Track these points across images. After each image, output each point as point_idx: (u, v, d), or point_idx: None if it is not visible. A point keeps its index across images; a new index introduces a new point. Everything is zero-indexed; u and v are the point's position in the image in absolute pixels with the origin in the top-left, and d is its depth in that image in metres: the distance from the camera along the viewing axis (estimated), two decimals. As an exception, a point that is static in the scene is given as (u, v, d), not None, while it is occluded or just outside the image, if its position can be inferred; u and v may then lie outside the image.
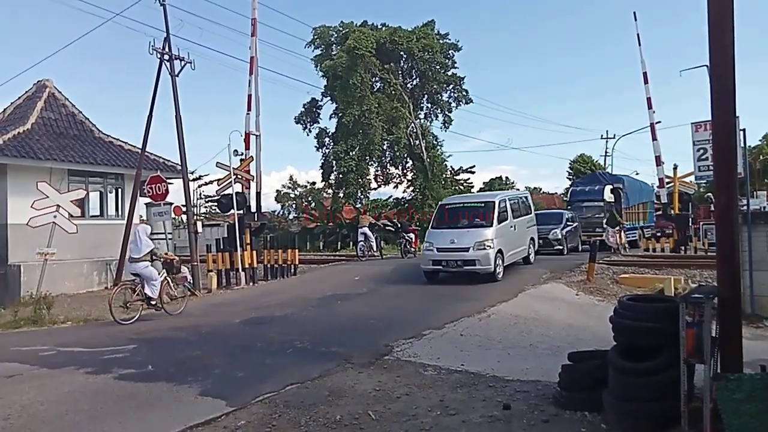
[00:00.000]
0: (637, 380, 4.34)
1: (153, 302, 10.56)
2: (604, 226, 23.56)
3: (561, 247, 21.04)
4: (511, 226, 14.53)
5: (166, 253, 12.81)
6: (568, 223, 22.56)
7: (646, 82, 25.88)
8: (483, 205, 14.49)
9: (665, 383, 4.21)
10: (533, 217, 16.71)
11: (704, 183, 26.77)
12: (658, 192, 27.90)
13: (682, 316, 4.09)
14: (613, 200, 27.23)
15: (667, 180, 26.01)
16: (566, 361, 5.30)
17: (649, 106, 25.93)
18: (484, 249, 13.02)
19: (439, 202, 17.96)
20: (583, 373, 5.00)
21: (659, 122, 26.88)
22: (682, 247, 22.76)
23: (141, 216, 18.50)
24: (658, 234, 25.92)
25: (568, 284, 12.79)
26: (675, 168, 26.27)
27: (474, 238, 13.17)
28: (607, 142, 48.48)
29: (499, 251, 13.41)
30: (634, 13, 26.54)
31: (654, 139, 25.81)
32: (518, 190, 44.93)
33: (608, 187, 27.60)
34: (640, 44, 25.78)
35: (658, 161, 25.66)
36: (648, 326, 4.44)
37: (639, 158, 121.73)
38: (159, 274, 10.66)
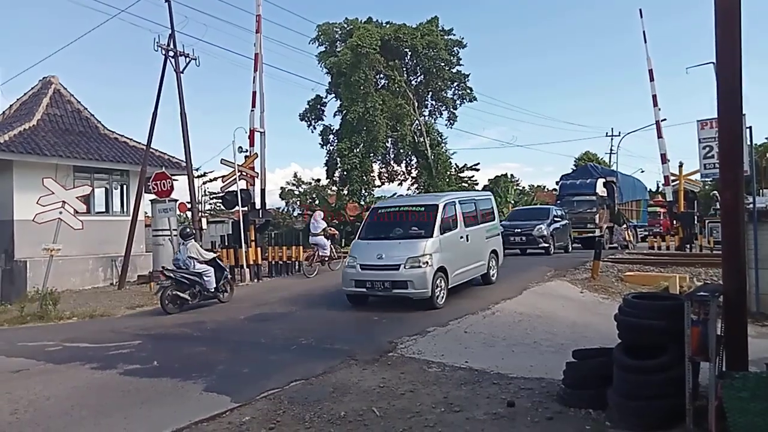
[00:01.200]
0: (642, 378, 4.34)
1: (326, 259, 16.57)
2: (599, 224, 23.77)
3: (547, 245, 19.23)
4: (462, 237, 11.28)
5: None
6: (556, 220, 20.60)
7: (651, 79, 25.70)
8: (423, 209, 11.14)
9: (670, 381, 4.21)
10: (497, 225, 13.35)
11: (710, 181, 26.64)
12: (663, 190, 27.54)
13: (688, 314, 4.08)
14: (605, 194, 26.17)
15: (672, 178, 25.86)
16: (570, 358, 5.29)
17: (655, 104, 25.76)
18: (419, 267, 9.84)
19: (372, 206, 15.00)
20: (588, 371, 4.99)
21: (665, 119, 26.69)
22: (688, 245, 22.66)
23: (146, 212, 18.54)
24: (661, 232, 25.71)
25: (573, 282, 12.77)
26: (680, 166, 26.05)
27: (406, 253, 9.99)
28: (612, 139, 48.30)
29: (441, 270, 10.22)
30: (640, 10, 26.23)
31: (659, 136, 25.63)
32: (475, 182, 42.49)
33: (601, 181, 26.37)
34: (646, 41, 25.60)
35: (664, 159, 25.50)
36: (653, 324, 4.44)
37: (644, 156, 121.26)
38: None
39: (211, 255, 12.40)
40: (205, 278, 11.58)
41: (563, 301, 10.90)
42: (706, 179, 24.36)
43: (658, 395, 4.27)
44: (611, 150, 48.31)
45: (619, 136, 48.06)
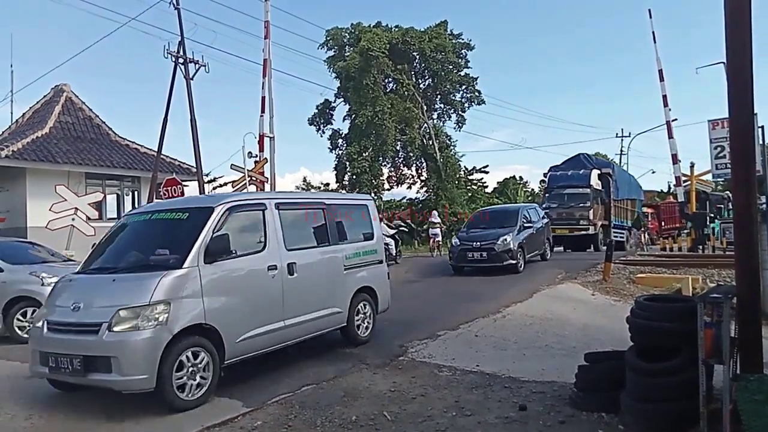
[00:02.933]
0: (655, 381, 4.30)
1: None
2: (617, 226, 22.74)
3: (514, 262, 14.38)
4: (276, 267, 6.54)
5: None
6: (526, 226, 15.73)
7: (661, 79, 25.65)
8: (183, 217, 6.33)
9: (683, 384, 4.17)
10: (374, 246, 8.52)
11: (722, 181, 26.44)
12: (675, 191, 27.40)
13: (701, 316, 4.04)
14: (600, 187, 23.65)
15: (684, 178, 25.69)
16: (582, 361, 5.27)
17: (665, 104, 25.68)
18: (136, 329, 5.21)
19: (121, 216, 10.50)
20: (600, 374, 4.97)
21: (675, 120, 26.58)
22: (700, 246, 22.47)
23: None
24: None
25: (584, 284, 12.69)
26: (692, 166, 25.88)
27: (117, 300, 5.38)
28: (622, 140, 48.15)
29: (202, 332, 5.62)
30: (649, 10, 26.15)
31: (670, 137, 25.56)
32: (485, 185, 40.49)
33: (595, 172, 23.75)
34: (655, 41, 25.58)
35: (675, 159, 25.40)
36: (666, 326, 4.40)
37: (655, 156, 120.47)
38: None
39: (392, 231, 17.69)
40: (390, 247, 16.70)
41: (574, 303, 10.83)
42: (718, 179, 24.23)
43: (671, 398, 4.24)
44: (621, 151, 48.16)
45: (629, 136, 47.95)
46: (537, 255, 16.38)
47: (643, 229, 26.65)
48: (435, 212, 24.00)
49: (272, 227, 6.65)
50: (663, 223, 31.17)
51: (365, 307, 8.06)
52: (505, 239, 14.43)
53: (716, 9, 4.48)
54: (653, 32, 25.55)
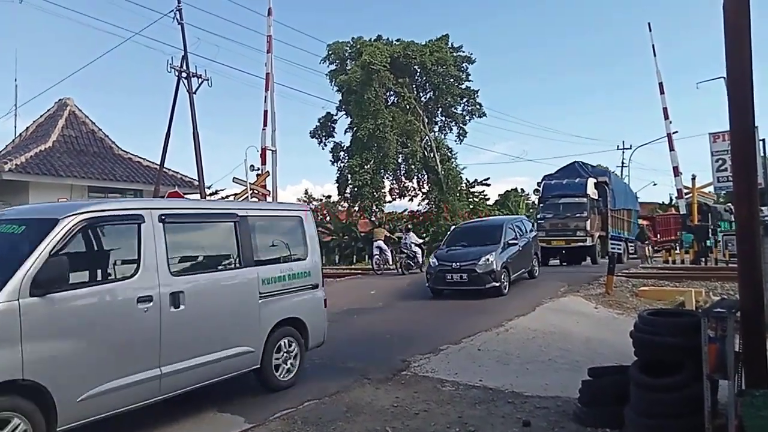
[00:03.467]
0: (659, 396, 4.28)
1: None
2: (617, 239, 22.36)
3: (497, 284, 12.74)
4: (149, 298, 5.06)
5: None
6: (512, 242, 14.02)
7: (662, 92, 25.80)
8: (11, 234, 4.83)
9: (688, 399, 4.15)
10: (307, 267, 7.06)
11: (723, 194, 26.43)
12: (677, 203, 27.37)
13: (704, 331, 4.02)
14: (597, 197, 22.83)
15: (685, 191, 25.72)
16: (586, 376, 5.24)
17: (666, 117, 25.82)
18: None
19: None
20: (604, 389, 4.94)
21: (676, 132, 26.71)
22: (702, 259, 22.43)
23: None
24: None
25: (587, 297, 12.65)
26: (693, 178, 25.97)
27: None
28: (623, 152, 48.21)
29: None
30: (649, 24, 26.40)
31: (671, 149, 25.66)
32: (486, 197, 40.53)
33: (592, 181, 22.88)
34: (655, 54, 25.79)
35: (676, 172, 25.47)
36: (669, 341, 4.39)
37: (656, 169, 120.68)
38: None
39: (420, 241, 20.35)
40: (417, 255, 19.42)
41: (577, 317, 10.79)
42: (720, 192, 24.23)
43: (676, 413, 4.21)
44: (623, 163, 48.19)
45: (630, 149, 47.98)
46: (524, 273, 14.86)
47: (647, 242, 26.38)
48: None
49: (150, 246, 5.13)
50: (659, 236, 30.96)
51: (290, 345, 6.58)
52: (488, 259, 12.80)
53: (716, 20, 4.51)
54: (653, 45, 25.80)
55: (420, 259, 19.83)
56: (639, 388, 4.41)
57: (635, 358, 4.67)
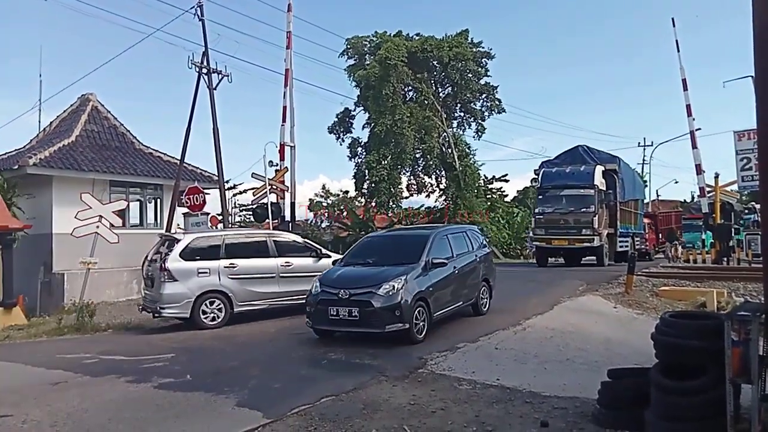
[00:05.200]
0: (681, 399, 4.23)
1: None
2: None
3: (405, 326, 8.27)
4: None
5: None
6: (438, 264, 9.24)
7: (685, 89, 25.33)
8: None
9: (710, 403, 4.09)
10: None
11: (746, 193, 25.96)
12: (699, 202, 26.79)
13: (728, 334, 3.97)
14: (605, 187, 19.92)
15: (708, 189, 25.27)
16: (605, 377, 5.19)
17: (689, 113, 25.34)
18: None
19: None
20: (624, 391, 4.89)
21: (699, 129, 26.19)
22: (725, 259, 22.06)
23: (179, 225, 18.92)
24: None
25: (606, 297, 12.53)
26: (716, 177, 25.43)
27: None
28: (644, 149, 47.59)
29: None
30: (672, 19, 25.88)
31: (694, 146, 25.18)
32: (504, 194, 39.34)
33: (599, 168, 19.89)
34: (678, 50, 25.30)
35: (699, 170, 24.99)
36: (692, 344, 4.33)
37: (678, 166, 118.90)
38: None
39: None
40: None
41: (596, 316, 10.69)
42: (744, 191, 23.80)
43: (697, 417, 4.16)
44: (644, 160, 47.57)
45: (651, 146, 47.33)
46: (462, 306, 10.17)
47: (675, 241, 25.61)
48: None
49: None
50: (660, 235, 29.97)
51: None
52: (393, 286, 8.38)
53: (742, 14, 4.42)
54: (677, 41, 25.31)
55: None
56: (660, 391, 4.36)
57: (656, 360, 4.62)
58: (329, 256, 12.11)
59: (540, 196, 20.41)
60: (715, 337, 4.09)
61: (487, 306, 10.98)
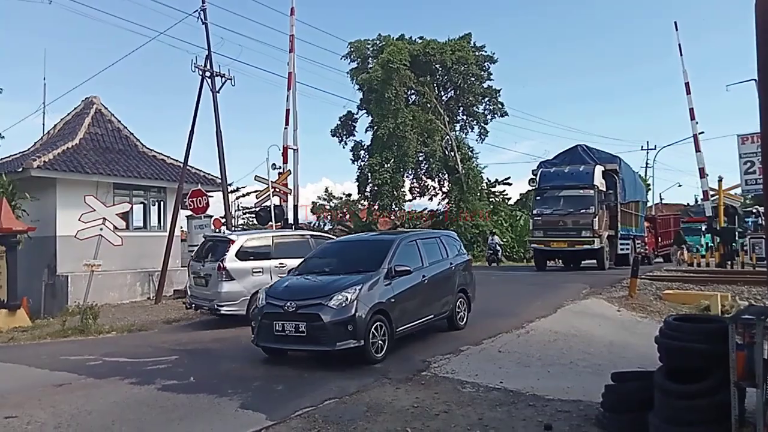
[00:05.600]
0: (685, 403, 4.22)
1: None
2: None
3: (357, 343, 7.25)
4: None
5: None
6: (403, 272, 8.17)
7: (688, 92, 25.29)
8: None
9: (714, 407, 4.08)
10: None
11: (750, 196, 25.90)
12: (703, 205, 26.70)
13: (732, 338, 3.96)
14: (605, 188, 19.46)
15: (711, 192, 25.22)
16: (609, 380, 5.19)
17: (692, 117, 25.30)
18: None
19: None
20: (628, 394, 4.88)
21: (702, 133, 26.15)
22: (729, 262, 22.00)
23: (182, 228, 18.94)
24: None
25: (609, 300, 12.52)
26: (720, 180, 25.36)
27: None
28: (647, 153, 47.54)
29: None
30: (675, 23, 25.87)
31: (697, 150, 25.11)
32: (507, 197, 39.33)
33: (599, 169, 19.48)
34: (681, 54, 25.28)
35: (702, 173, 24.93)
36: (696, 347, 4.32)
37: (681, 170, 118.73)
38: None
39: (503, 242, 21.20)
40: (498, 252, 20.19)
41: (600, 319, 10.69)
42: (747, 195, 23.73)
43: (701, 421, 4.15)
44: (647, 164, 47.52)
45: (654, 149, 47.28)
46: (434, 320, 9.12)
47: (683, 246, 25.48)
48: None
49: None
50: (659, 239, 29.55)
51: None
52: (346, 297, 7.42)
53: (744, 18, 4.41)
54: (679, 44, 25.29)
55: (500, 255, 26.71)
56: (664, 394, 4.35)
57: (660, 364, 4.61)
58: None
59: (538, 197, 19.90)
60: (719, 341, 4.08)
61: (465, 319, 9.92)
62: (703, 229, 33.07)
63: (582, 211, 18.17)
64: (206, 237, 12.68)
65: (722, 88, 41.73)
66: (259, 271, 11.23)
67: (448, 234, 11.22)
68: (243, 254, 11.27)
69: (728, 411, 3.93)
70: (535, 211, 19.78)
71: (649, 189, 45.13)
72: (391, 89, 32.59)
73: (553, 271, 19.06)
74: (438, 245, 9.90)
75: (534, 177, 21.18)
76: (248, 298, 10.85)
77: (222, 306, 10.92)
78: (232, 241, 11.35)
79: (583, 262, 19.91)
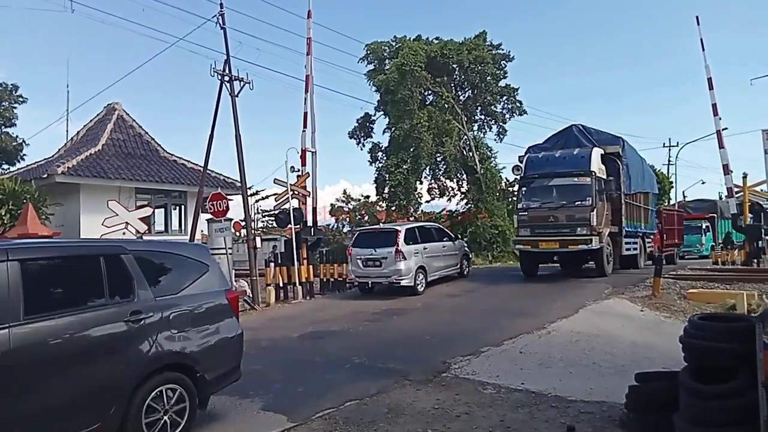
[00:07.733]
0: (711, 404, 4.14)
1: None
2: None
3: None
4: None
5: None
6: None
7: (711, 88, 24.82)
8: None
9: (742, 408, 3.99)
10: None
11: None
12: (727, 201, 26.10)
13: (760, 337, 3.87)
14: (605, 175, 16.10)
15: (736, 189, 24.71)
16: (632, 380, 5.11)
17: (715, 113, 24.81)
18: None
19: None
20: (652, 395, 4.81)
21: (725, 129, 25.57)
22: (755, 260, 21.53)
23: (202, 231, 19.13)
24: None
25: (632, 300, 12.32)
26: (744, 177, 24.77)
27: None
28: (669, 150, 46.77)
29: None
30: (697, 17, 25.39)
31: (721, 146, 24.60)
32: None
33: (597, 151, 16.02)
34: (703, 49, 24.83)
35: (726, 170, 24.42)
36: (722, 347, 4.23)
37: (705, 167, 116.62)
38: None
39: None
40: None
41: (622, 319, 10.53)
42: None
43: (728, 422, 4.07)
44: (669, 161, 46.73)
45: (677, 146, 46.49)
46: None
47: (730, 246, 24.89)
48: None
49: None
50: (664, 236, 28.38)
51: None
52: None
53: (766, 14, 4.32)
54: (701, 39, 24.83)
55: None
56: (690, 395, 4.28)
57: (684, 364, 4.53)
58: (459, 239, 19.37)
59: (524, 189, 16.44)
60: (745, 340, 4.00)
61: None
62: (704, 226, 32.51)
63: (577, 203, 15.07)
64: (358, 230, 16.77)
65: (746, 83, 40.98)
66: (417, 253, 14.90)
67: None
68: (407, 240, 14.76)
69: (756, 412, 3.84)
70: (520, 206, 16.51)
71: (672, 186, 44.37)
72: (405, 91, 32.58)
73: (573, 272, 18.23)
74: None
75: (519, 165, 17.19)
76: (414, 273, 14.52)
77: (401, 279, 14.35)
78: (399, 231, 14.86)
79: (584, 264, 16.83)
